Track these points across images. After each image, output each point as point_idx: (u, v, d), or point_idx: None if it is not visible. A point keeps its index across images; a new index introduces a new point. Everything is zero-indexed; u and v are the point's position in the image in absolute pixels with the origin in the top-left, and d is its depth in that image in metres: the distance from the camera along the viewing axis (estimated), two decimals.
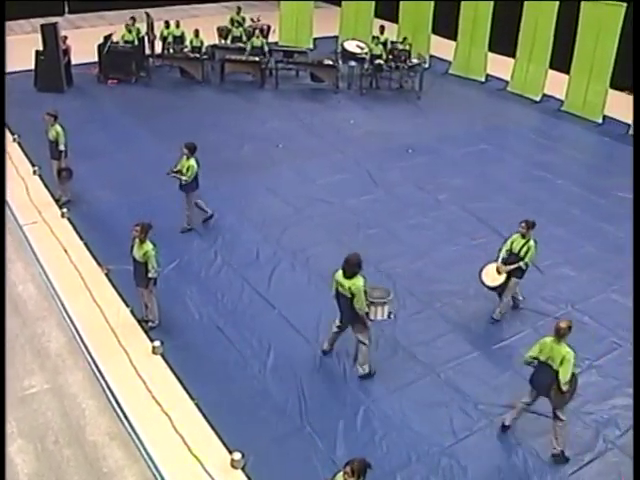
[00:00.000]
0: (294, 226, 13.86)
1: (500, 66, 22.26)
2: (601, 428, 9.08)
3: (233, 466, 8.32)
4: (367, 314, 9.52)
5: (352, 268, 9.20)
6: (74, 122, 16.59)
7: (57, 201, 14.07)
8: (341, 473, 6.63)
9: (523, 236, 10.63)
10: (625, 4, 18.36)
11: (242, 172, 15.34)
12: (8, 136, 17.06)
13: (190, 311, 11.12)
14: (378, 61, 21.04)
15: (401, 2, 24.18)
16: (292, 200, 14.59)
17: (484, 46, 22.11)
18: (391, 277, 12.12)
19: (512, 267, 10.68)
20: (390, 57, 21.25)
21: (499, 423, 9.05)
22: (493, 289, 10.94)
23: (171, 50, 22.24)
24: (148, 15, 22.55)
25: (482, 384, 9.76)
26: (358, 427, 9.00)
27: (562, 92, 20.25)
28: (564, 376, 8.16)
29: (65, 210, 13.69)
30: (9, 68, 21.00)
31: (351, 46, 22.21)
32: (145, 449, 8.56)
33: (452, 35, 23.33)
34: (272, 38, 24.50)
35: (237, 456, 8.35)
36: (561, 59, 20.16)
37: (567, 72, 20.09)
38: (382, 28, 22.38)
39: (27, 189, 14.63)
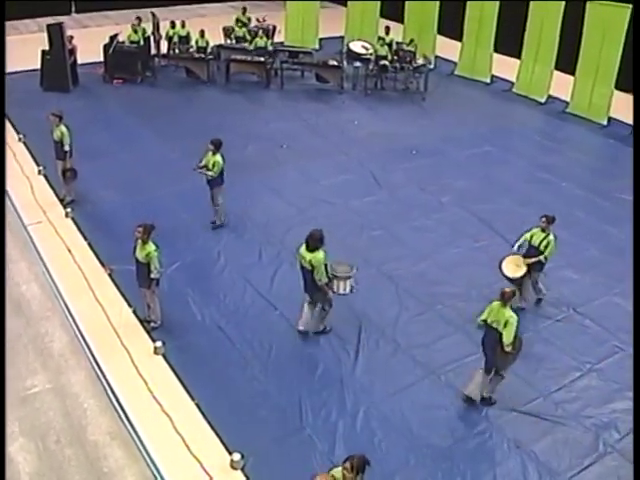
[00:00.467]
0: (297, 227, 13.81)
1: (506, 67, 22.25)
2: (601, 432, 9.08)
3: (233, 467, 8.36)
4: (331, 287, 10.26)
5: (315, 242, 9.96)
6: (79, 122, 16.66)
7: (61, 201, 14.13)
8: (339, 468, 6.67)
9: (543, 230, 10.91)
10: (631, 6, 18.33)
11: (246, 172, 15.35)
12: (13, 135, 17.16)
13: (192, 312, 11.16)
14: (383, 62, 21.05)
15: (407, 2, 24.16)
16: (296, 201, 14.62)
17: (489, 47, 22.11)
18: (393, 279, 12.15)
19: (532, 260, 10.93)
20: (395, 58, 21.28)
21: (498, 425, 9.09)
22: (512, 281, 11.05)
23: (177, 50, 22.29)
24: (154, 15, 22.61)
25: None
26: (357, 428, 9.03)
27: (567, 93, 20.22)
28: (507, 338, 8.79)
29: (69, 210, 13.75)
30: (15, 67, 21.12)
31: (356, 47, 22.24)
32: (145, 449, 8.60)
33: (458, 36, 23.33)
34: (278, 38, 24.55)
35: (236, 457, 8.38)
36: (567, 60, 20.14)
37: (572, 73, 20.07)
38: (387, 29, 22.42)
39: (32, 189, 14.69)
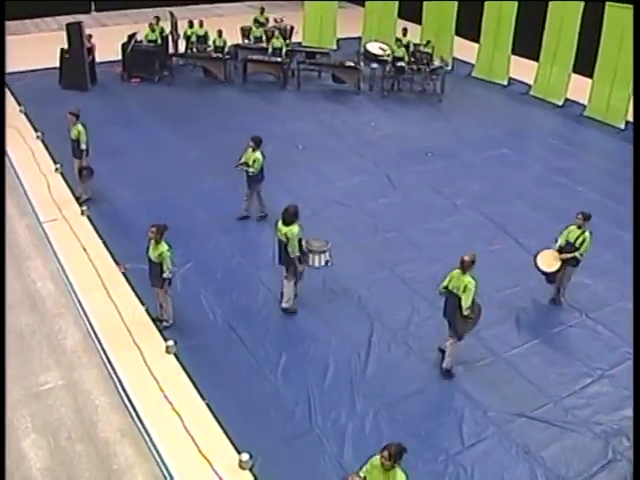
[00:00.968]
0: (311, 228, 13.76)
1: (523, 69, 22.17)
2: (610, 439, 9.04)
3: (241, 467, 8.41)
4: (306, 261, 10.95)
5: (290, 217, 10.65)
6: (97, 120, 16.85)
7: (77, 199, 14.23)
8: (377, 457, 6.90)
9: (579, 227, 11.07)
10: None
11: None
12: (32, 133, 17.31)
13: (204, 311, 11.22)
14: (400, 63, 21.04)
15: (425, 2, 24.10)
16: (310, 202, 14.60)
17: (507, 49, 22.04)
18: (406, 281, 12.16)
19: (568, 256, 11.11)
20: (412, 60, 21.27)
21: (507, 430, 9.10)
22: (547, 275, 11.28)
23: (194, 49, 22.39)
24: (172, 14, 22.75)
25: (492, 391, 9.75)
26: (367, 431, 9.04)
27: (585, 97, 20.12)
28: (466, 302, 9.36)
29: (85, 208, 13.86)
30: (36, 65, 21.36)
31: (374, 48, 22.25)
32: (155, 447, 8.67)
33: (475, 37, 23.27)
34: (296, 38, 24.60)
35: (245, 457, 8.43)
36: (584, 63, 20.04)
37: (590, 76, 19.95)
38: (405, 30, 22.40)
39: (49, 186, 14.82)
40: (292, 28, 24.46)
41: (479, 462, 8.65)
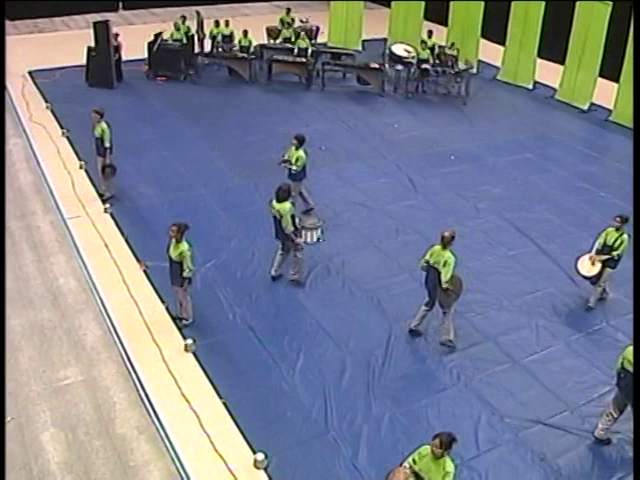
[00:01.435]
0: (332, 229, 13.94)
1: (549, 73, 22.05)
2: (627, 448, 8.96)
3: (256, 466, 8.46)
4: (300, 236, 11.73)
5: (283, 194, 11.27)
6: (122, 118, 17.06)
7: (101, 196, 14.37)
8: (426, 446, 7.13)
9: (617, 229, 11.21)
10: None
11: (282, 173, 15.38)
12: (57, 130, 17.49)
13: (224, 310, 11.29)
14: (425, 66, 21.00)
15: (451, 2, 24.03)
16: (331, 203, 14.66)
17: (533, 52, 21.87)
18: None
19: (606, 257, 11.26)
20: (437, 62, 21.23)
21: (523, 437, 9.07)
22: (588, 278, 11.46)
23: (220, 49, 22.52)
24: (198, 13, 22.89)
25: (510, 397, 9.72)
26: (382, 434, 9.06)
27: (610, 101, 19.95)
28: (445, 275, 9.96)
29: (108, 205, 13.98)
30: (64, 63, 21.59)
31: (399, 49, 22.21)
32: (172, 445, 8.75)
33: (501, 40, 23.13)
34: (321, 39, 24.64)
35: (260, 457, 8.48)
36: (611, 67, 19.87)
37: (617, 80, 19.77)
38: (430, 32, 22.37)
39: (73, 183, 14.96)
40: (318, 29, 24.51)
41: (494, 468, 8.63)
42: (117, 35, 20.84)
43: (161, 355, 10.22)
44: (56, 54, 22.37)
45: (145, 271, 12.00)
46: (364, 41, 25.37)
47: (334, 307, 11.50)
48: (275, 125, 18.60)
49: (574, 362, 10.46)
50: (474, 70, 22.51)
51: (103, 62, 20.18)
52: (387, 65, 21.77)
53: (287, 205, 11.30)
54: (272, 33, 24.07)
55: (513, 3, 22.16)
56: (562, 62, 21.34)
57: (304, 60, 21.56)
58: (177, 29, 21.81)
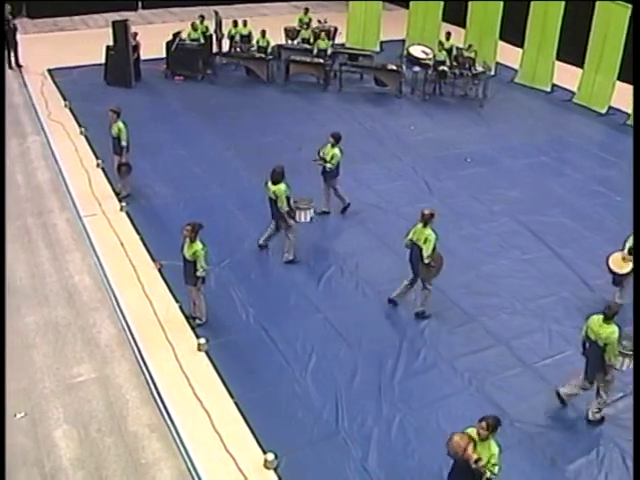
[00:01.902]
0: (346, 231, 14.00)
1: (568, 76, 21.92)
2: None
3: (266, 466, 8.49)
4: (293, 217, 12.29)
5: (277, 176, 11.91)
6: (140, 117, 17.18)
7: (117, 195, 14.47)
8: (471, 429, 7.34)
9: None
10: None
11: (297, 175, 15.38)
12: (75, 128, 17.62)
13: (237, 310, 11.34)
14: (442, 68, 20.96)
15: (470, 2, 23.92)
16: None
17: (552, 55, 21.76)
18: (438, 287, 12.05)
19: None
20: (455, 64, 21.18)
21: (533, 441, 9.06)
22: (618, 275, 11.45)
23: (238, 49, 22.57)
24: (217, 13, 22.97)
25: (521, 401, 9.70)
26: (392, 436, 9.07)
27: (629, 105, 19.79)
28: (426, 251, 10.71)
29: (124, 204, 14.08)
30: (83, 61, 21.74)
31: (416, 51, 22.18)
32: (183, 443, 8.80)
33: (520, 42, 23.03)
34: (339, 40, 24.64)
35: (270, 457, 8.52)
36: (629, 69, 19.72)
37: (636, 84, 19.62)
38: (448, 34, 22.31)
39: (90, 181, 15.08)
40: (336, 29, 24.50)
41: (504, 473, 8.53)
42: (136, 34, 20.96)
43: (174, 354, 10.29)
44: (75, 53, 22.51)
45: (160, 270, 12.07)
46: (382, 42, 25.35)
47: (347, 308, 11.53)
48: (292, 126, 18.66)
49: None
50: (492, 72, 22.45)
51: (121, 61, 20.33)
52: (404, 67, 21.75)
53: (282, 186, 11.90)
54: (290, 33, 24.11)
55: (533, 3, 22.03)
56: (581, 65, 21.21)
57: (322, 61, 21.57)
58: (194, 29, 21.90)
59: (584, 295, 12.03)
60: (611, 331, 8.93)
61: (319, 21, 24.50)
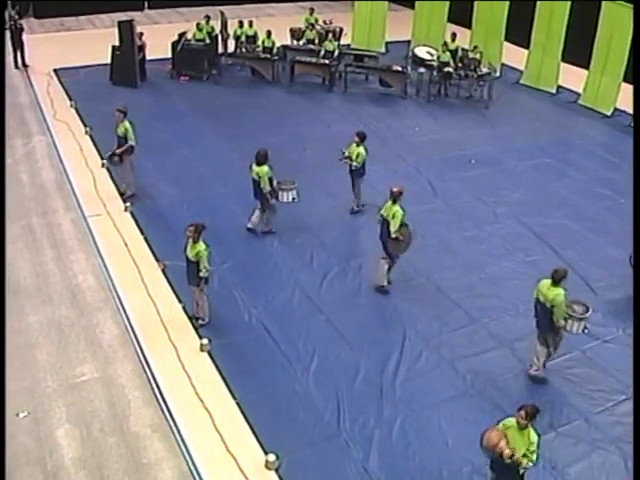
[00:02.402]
0: (350, 232, 14.02)
1: (573, 77, 21.90)
2: None
3: (267, 467, 8.52)
4: (276, 197, 12.95)
5: (261, 158, 12.59)
6: (145, 117, 17.22)
7: (122, 195, 14.50)
8: (510, 418, 7.57)
9: None
10: None
11: (302, 175, 15.42)
12: (80, 128, 17.68)
13: (240, 311, 11.36)
14: (447, 69, 20.95)
15: (475, 2, 23.89)
16: (350, 205, 14.66)
17: (557, 56, 21.73)
18: (441, 289, 12.15)
19: None
20: (460, 65, 21.17)
21: None
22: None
23: (243, 49, 22.61)
24: (222, 13, 23.01)
25: (522, 403, 9.65)
26: (393, 438, 9.08)
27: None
28: (393, 226, 11.36)
29: (128, 204, 14.12)
30: (89, 61, 21.80)
31: (421, 52, 22.24)
32: (184, 444, 8.83)
33: (525, 43, 23.00)
34: (344, 41, 24.64)
35: (272, 458, 8.54)
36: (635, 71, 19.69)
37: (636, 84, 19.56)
38: (454, 35, 22.27)
39: (94, 181, 15.13)
40: (341, 30, 24.53)
41: None
42: (141, 34, 21.03)
43: (177, 354, 10.32)
44: (81, 53, 22.59)
45: (163, 270, 12.09)
46: (387, 43, 25.36)
47: (350, 310, 11.54)
48: (297, 126, 18.69)
49: (588, 370, 10.40)
50: (497, 73, 22.43)
51: (127, 61, 20.40)
52: (410, 68, 21.74)
53: (265, 168, 12.62)
54: (295, 34, 24.14)
55: (538, 4, 21.99)
56: (586, 66, 21.17)
57: (327, 62, 21.59)
58: (199, 29, 21.96)
59: (587, 297, 11.82)
60: (557, 293, 9.51)
61: (324, 22, 24.53)
